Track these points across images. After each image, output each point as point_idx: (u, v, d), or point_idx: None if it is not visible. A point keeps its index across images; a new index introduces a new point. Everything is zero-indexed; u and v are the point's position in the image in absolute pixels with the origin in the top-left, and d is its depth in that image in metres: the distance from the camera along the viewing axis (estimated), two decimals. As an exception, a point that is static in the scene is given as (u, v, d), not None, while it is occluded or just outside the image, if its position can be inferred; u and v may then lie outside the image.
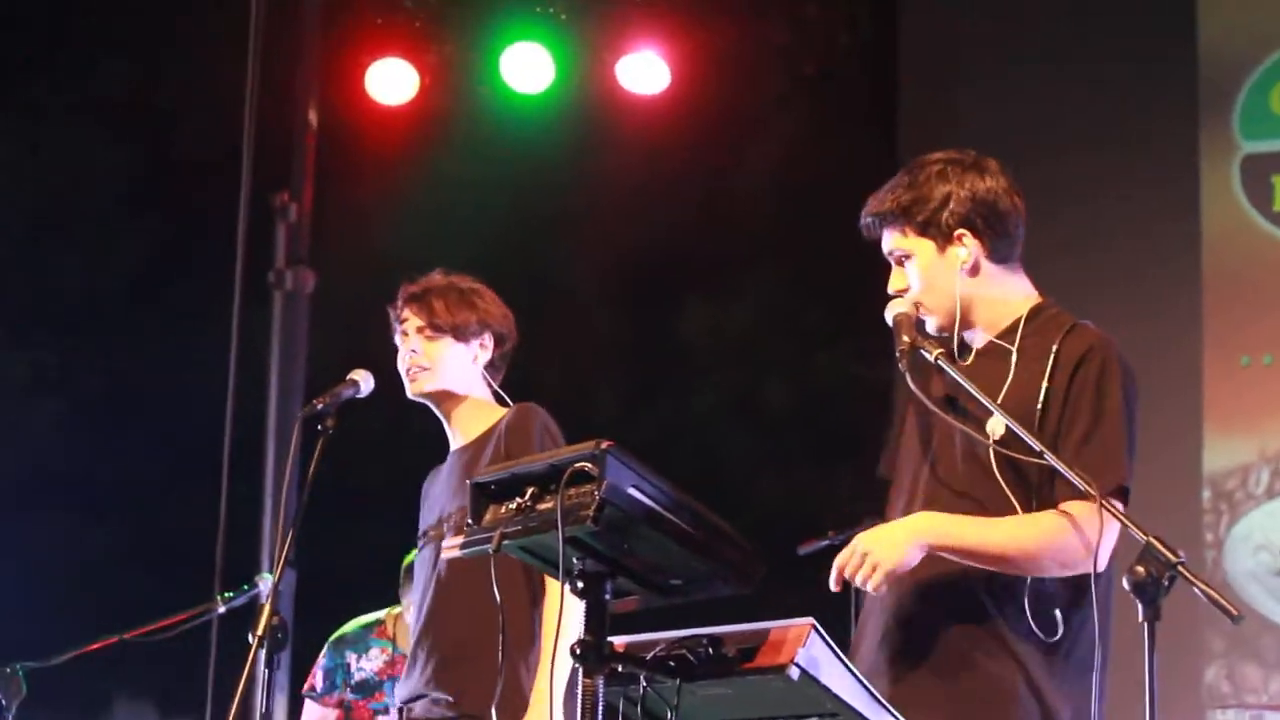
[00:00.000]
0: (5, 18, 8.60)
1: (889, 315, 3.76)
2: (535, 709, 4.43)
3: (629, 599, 3.30)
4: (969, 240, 3.74)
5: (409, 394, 4.82)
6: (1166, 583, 3.20)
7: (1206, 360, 7.97)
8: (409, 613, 5.74)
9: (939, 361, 3.62)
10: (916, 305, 3.76)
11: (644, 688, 3.17)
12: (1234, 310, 8.00)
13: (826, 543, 5.80)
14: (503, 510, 3.25)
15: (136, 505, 8.35)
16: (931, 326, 3.78)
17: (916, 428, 3.80)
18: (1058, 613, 3.57)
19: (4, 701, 5.24)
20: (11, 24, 8.65)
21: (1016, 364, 3.68)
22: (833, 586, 3.54)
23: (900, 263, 3.80)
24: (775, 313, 9.18)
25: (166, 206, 8.84)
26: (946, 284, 3.74)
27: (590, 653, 3.13)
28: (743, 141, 8.89)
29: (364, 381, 4.70)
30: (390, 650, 6.06)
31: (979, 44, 8.56)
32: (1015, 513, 3.58)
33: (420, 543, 4.82)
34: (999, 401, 3.58)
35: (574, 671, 3.16)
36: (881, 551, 3.49)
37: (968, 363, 3.74)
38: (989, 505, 3.59)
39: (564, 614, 3.94)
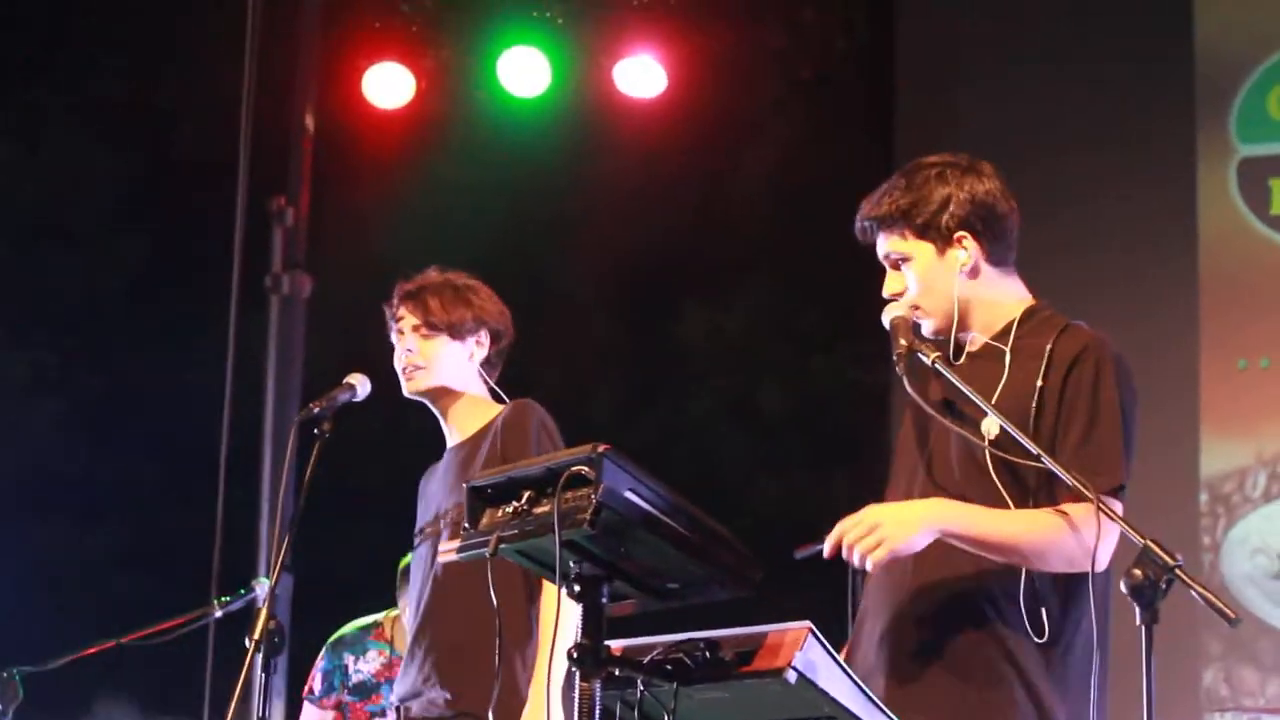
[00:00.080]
0: (5, 18, 8.60)
1: (886, 319, 3.76)
2: (532, 709, 4.42)
3: (626, 602, 3.30)
4: (969, 243, 3.74)
5: (405, 392, 4.82)
6: (1164, 586, 3.20)
7: (1203, 363, 7.97)
8: (406, 614, 5.74)
9: (936, 365, 3.62)
10: (913, 308, 3.76)
11: (641, 691, 3.17)
12: (1231, 313, 8.00)
13: (823, 546, 5.79)
14: (499, 514, 3.25)
15: (134, 507, 8.36)
16: (928, 329, 3.77)
17: (913, 430, 3.81)
18: (1053, 612, 3.56)
19: (1, 706, 5.24)
20: (11, 24, 8.65)
21: (1010, 364, 3.68)
22: (825, 552, 3.49)
23: (896, 266, 3.80)
24: (772, 316, 9.19)
25: (166, 207, 8.85)
26: (945, 286, 3.74)
27: (587, 656, 3.12)
28: (740, 146, 8.91)
29: (360, 385, 4.70)
30: (388, 653, 6.06)
31: (975, 49, 8.56)
32: (1013, 513, 3.59)
33: (416, 540, 4.81)
34: (993, 402, 3.58)
35: (569, 671, 3.16)
36: (891, 528, 3.46)
37: (961, 364, 3.74)
38: (985, 506, 3.59)
39: (560, 613, 3.95)
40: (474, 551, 3.24)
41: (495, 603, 3.47)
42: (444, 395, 4.80)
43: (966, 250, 3.74)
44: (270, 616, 4.31)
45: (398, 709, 4.71)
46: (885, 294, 3.80)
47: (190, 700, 6.89)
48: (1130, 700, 3.33)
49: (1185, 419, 7.85)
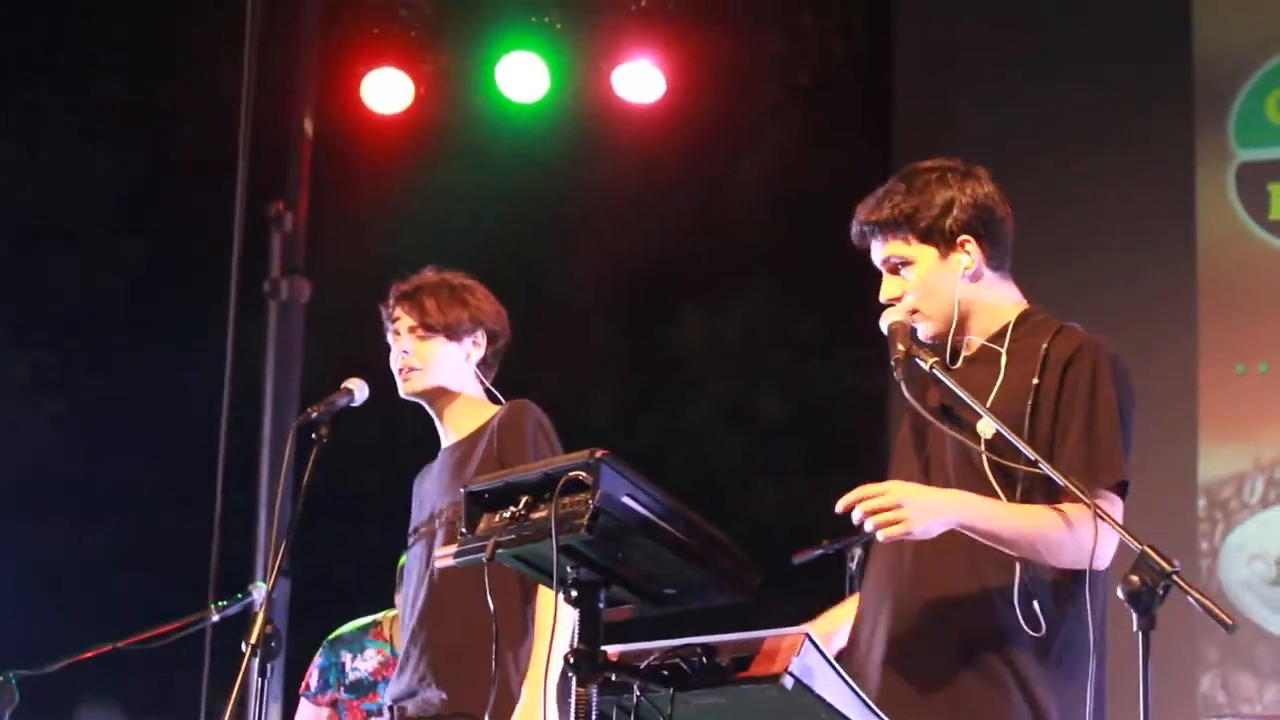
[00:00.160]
0: (5, 18, 8.61)
1: (884, 324, 3.76)
2: (525, 707, 4.42)
3: (623, 608, 3.30)
4: (971, 246, 3.75)
5: (401, 393, 4.82)
6: (1161, 592, 3.20)
7: (1201, 368, 7.96)
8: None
9: (934, 370, 3.62)
10: (912, 312, 3.76)
11: (637, 697, 3.17)
12: (1229, 318, 8.00)
13: (821, 552, 5.80)
14: (496, 519, 3.24)
15: (133, 508, 8.36)
16: (926, 333, 3.77)
17: (911, 434, 3.81)
18: (1047, 608, 3.56)
19: (-2, 709, 5.24)
20: (11, 24, 8.66)
21: (1006, 365, 3.69)
22: (839, 506, 3.44)
23: (895, 270, 3.80)
24: (770, 321, 9.19)
25: (165, 208, 8.86)
26: (947, 290, 3.75)
27: (584, 662, 3.12)
28: (738, 151, 8.91)
29: (358, 390, 4.70)
30: (387, 651, 6.05)
31: (973, 54, 8.56)
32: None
33: (411, 540, 4.81)
34: (989, 403, 3.59)
35: (564, 675, 3.16)
36: (914, 510, 3.42)
37: (958, 368, 3.75)
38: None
39: (557, 615, 3.95)
40: (471, 557, 3.24)
41: (492, 606, 3.47)
42: (440, 396, 4.79)
43: (969, 254, 3.75)
44: (267, 621, 4.31)
45: (391, 709, 4.70)
46: (882, 299, 3.80)
47: (186, 705, 6.88)
48: (1127, 706, 3.33)
49: (1183, 424, 7.84)
